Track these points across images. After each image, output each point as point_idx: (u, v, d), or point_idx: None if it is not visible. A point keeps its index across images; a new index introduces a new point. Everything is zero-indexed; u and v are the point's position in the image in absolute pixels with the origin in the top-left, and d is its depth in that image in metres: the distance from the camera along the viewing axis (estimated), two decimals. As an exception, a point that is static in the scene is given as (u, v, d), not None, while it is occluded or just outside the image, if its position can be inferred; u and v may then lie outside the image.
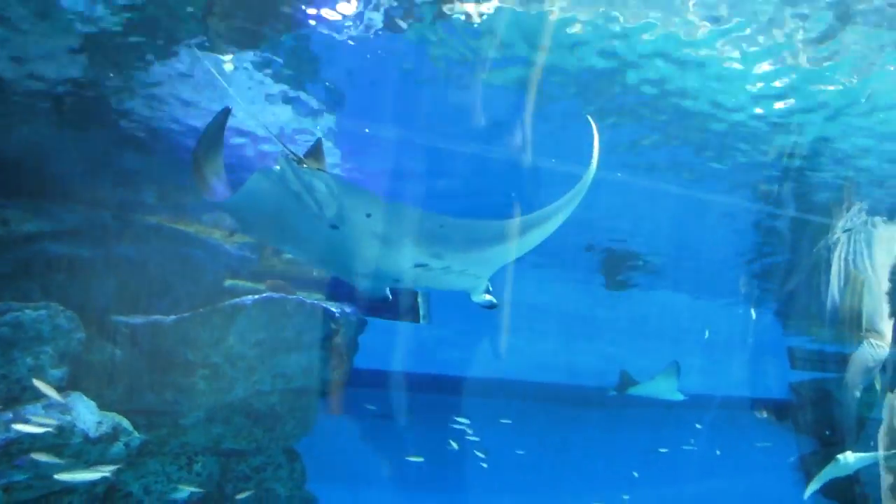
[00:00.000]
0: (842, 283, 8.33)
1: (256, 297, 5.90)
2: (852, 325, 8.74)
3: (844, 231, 7.84)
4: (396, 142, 6.04)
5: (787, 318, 8.95)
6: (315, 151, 4.28)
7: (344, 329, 6.49)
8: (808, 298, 8.58)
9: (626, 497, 7.01)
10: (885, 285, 8.17)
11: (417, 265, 4.64)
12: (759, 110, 5.60)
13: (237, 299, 5.83)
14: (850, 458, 6.69)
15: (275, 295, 6.00)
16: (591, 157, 4.15)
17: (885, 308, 8.43)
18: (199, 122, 5.46)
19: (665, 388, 8.02)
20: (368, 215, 4.32)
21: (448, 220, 4.35)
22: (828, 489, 9.22)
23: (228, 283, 6.14)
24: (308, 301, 6.20)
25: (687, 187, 6.96)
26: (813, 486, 6.65)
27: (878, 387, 9.44)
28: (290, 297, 6.01)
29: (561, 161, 6.29)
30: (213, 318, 5.70)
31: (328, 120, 5.68)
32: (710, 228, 7.74)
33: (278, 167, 4.14)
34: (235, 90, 5.12)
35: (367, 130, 5.97)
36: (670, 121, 5.64)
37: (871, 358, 8.65)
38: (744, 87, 5.13)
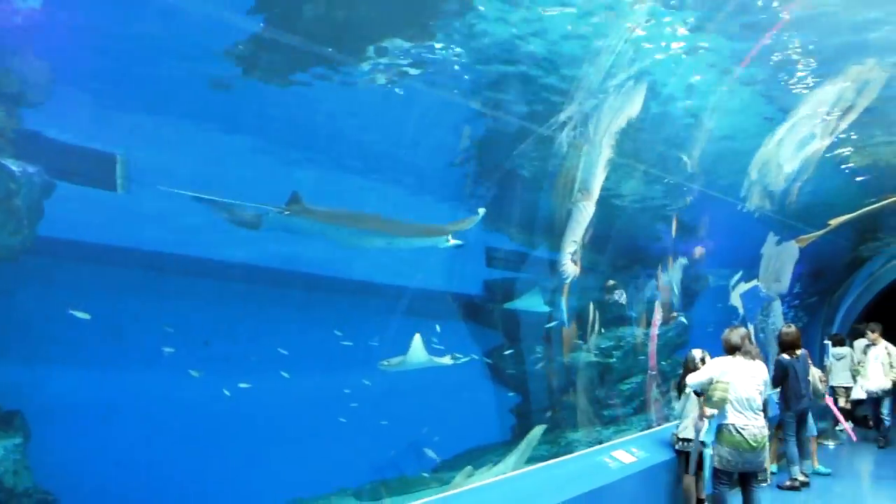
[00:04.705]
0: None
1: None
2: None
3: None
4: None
5: (489, 218, 10.12)
6: (294, 198, 6.80)
7: (25, 190, 6.31)
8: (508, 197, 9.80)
9: (286, 375, 7.73)
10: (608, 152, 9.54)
11: (389, 242, 7.66)
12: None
13: None
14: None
15: (-65, 144, 5.64)
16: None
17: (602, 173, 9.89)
18: None
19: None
20: (337, 228, 7.18)
21: (378, 219, 7.55)
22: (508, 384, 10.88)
23: None
24: (-20, 155, 5.88)
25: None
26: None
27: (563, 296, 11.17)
28: (-42, 148, 5.69)
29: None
30: None
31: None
32: (426, 128, 8.46)
33: (269, 214, 6.63)
34: None
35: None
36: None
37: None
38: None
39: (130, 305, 6.78)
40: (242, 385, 7.32)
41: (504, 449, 9.40)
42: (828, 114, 11.98)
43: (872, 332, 14.73)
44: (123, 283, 6.73)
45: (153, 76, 6.26)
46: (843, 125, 12.42)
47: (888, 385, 14.08)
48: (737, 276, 16.09)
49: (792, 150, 13.15)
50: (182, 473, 6.88)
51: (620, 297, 12.22)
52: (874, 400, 14.58)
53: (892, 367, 14.09)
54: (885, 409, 14.42)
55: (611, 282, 12.15)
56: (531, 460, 9.27)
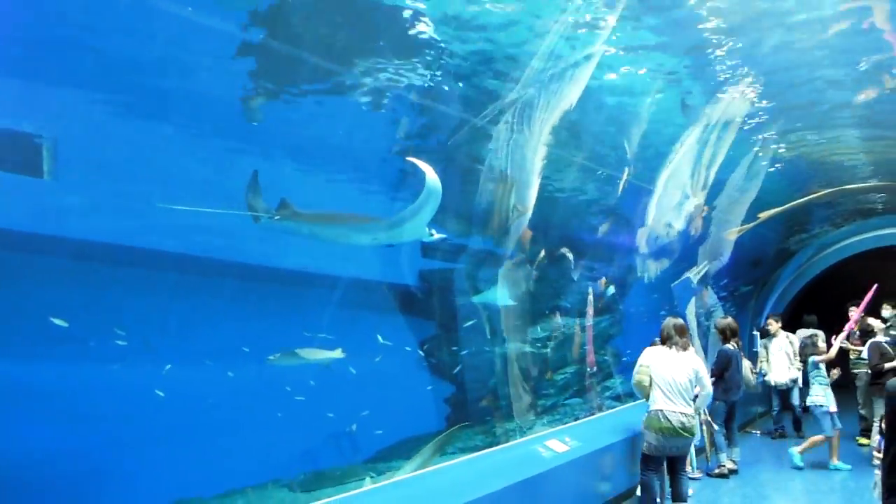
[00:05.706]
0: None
1: None
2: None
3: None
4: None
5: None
6: (284, 204, 7.22)
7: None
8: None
9: (230, 374, 7.74)
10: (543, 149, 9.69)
11: (373, 238, 8.00)
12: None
13: None
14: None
15: None
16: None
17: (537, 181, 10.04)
18: None
19: None
20: (324, 228, 7.57)
21: (363, 219, 7.89)
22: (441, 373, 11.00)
23: None
24: None
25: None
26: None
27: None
28: None
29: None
30: None
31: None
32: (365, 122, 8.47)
33: (262, 220, 7.15)
34: None
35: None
36: None
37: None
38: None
39: (55, 295, 6.69)
40: (167, 370, 7.29)
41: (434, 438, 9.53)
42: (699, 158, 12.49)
43: (771, 324, 14.82)
44: (48, 272, 6.64)
45: (82, 59, 6.18)
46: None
47: (795, 375, 14.29)
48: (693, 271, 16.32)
49: (673, 211, 13.62)
50: (113, 465, 6.84)
51: (567, 253, 12.28)
52: (782, 391, 14.77)
53: (796, 355, 14.10)
54: (796, 400, 14.65)
55: (562, 250, 12.25)
56: (465, 451, 9.41)
